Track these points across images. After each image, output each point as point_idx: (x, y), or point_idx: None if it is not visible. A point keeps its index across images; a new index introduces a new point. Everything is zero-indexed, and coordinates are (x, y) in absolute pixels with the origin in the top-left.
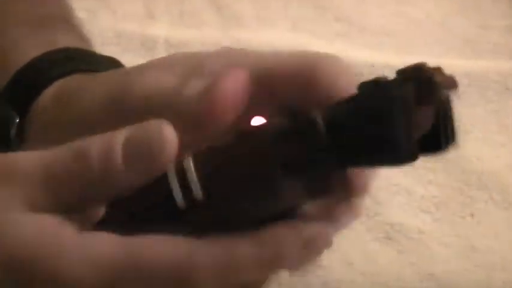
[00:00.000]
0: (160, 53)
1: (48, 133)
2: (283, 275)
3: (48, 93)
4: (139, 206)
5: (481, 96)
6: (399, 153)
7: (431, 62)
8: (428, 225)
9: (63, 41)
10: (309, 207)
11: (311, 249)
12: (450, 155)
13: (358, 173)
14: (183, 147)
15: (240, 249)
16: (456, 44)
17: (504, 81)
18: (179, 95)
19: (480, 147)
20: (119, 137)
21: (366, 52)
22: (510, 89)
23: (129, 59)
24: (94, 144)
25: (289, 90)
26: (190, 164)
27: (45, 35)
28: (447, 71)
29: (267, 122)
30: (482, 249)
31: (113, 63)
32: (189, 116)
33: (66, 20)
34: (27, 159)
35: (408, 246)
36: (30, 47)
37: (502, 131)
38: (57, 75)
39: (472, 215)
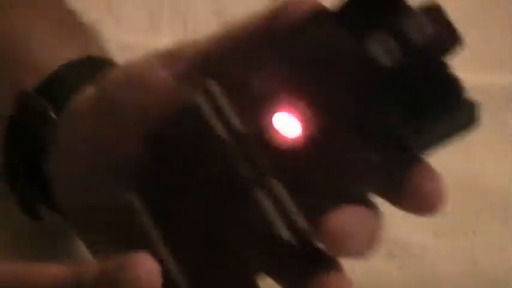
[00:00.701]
0: None
1: (83, 132)
2: None
3: (89, 94)
4: None
5: (486, 110)
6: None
7: None
8: (431, 242)
9: (96, 48)
10: None
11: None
12: (452, 168)
13: (425, 176)
14: None
15: None
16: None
17: (509, 94)
18: None
19: (484, 161)
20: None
21: None
22: None
23: None
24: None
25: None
26: None
27: (79, 40)
28: None
29: None
30: (485, 265)
31: None
32: None
33: (89, 29)
34: None
35: (411, 263)
36: (67, 50)
37: (506, 147)
38: (93, 80)
39: (474, 232)
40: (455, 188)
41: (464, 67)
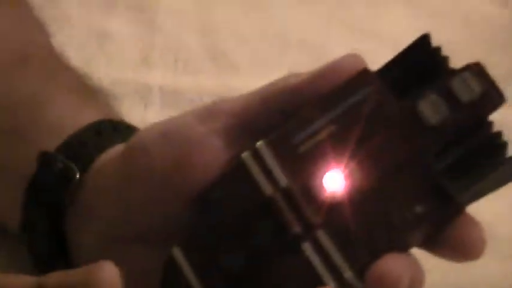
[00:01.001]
0: (155, 101)
1: (108, 188)
2: None
3: (113, 154)
4: None
5: None
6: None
7: None
8: None
9: (112, 112)
10: None
11: None
12: None
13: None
14: None
15: None
16: None
17: None
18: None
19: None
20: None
21: None
22: None
23: (124, 107)
24: None
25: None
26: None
27: (96, 102)
28: None
29: None
30: None
31: None
32: None
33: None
34: None
35: None
36: (86, 112)
37: None
38: (118, 141)
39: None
40: None
41: None
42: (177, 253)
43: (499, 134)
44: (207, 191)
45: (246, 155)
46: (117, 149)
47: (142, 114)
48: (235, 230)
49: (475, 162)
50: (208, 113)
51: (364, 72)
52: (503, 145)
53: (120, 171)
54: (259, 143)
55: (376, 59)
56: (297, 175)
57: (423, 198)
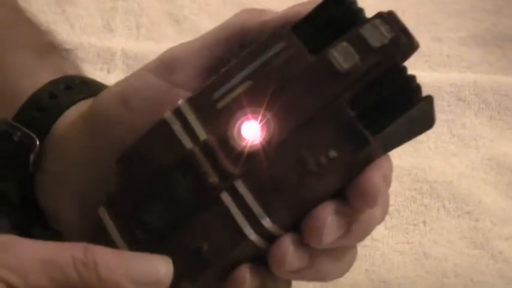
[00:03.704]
0: (118, 65)
1: (75, 157)
2: None
3: (72, 117)
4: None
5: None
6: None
7: None
8: (381, 233)
9: (70, 67)
10: None
11: None
12: (403, 164)
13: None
14: None
15: None
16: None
17: (457, 92)
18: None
19: (433, 156)
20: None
21: None
22: (463, 99)
23: (87, 71)
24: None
25: None
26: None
27: (54, 60)
28: None
29: None
30: (435, 256)
31: None
32: None
33: (61, 47)
34: (25, 251)
35: (362, 253)
36: (42, 72)
37: (454, 141)
38: (76, 100)
39: (424, 223)
40: (405, 183)
41: (413, 66)
42: (103, 212)
43: (412, 78)
44: (129, 150)
45: (167, 113)
46: (77, 111)
47: (106, 79)
48: (157, 185)
49: (389, 106)
50: (167, 67)
51: (281, 28)
52: (416, 88)
53: (83, 139)
54: (180, 102)
55: None
56: (215, 129)
57: (337, 143)
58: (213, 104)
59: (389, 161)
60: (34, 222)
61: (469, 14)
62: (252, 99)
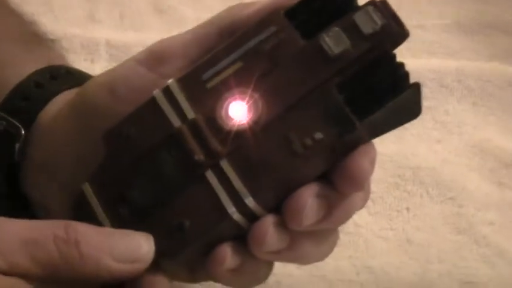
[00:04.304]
0: (102, 55)
1: (61, 145)
2: None
3: (58, 106)
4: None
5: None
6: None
7: None
8: (365, 219)
9: (55, 57)
10: None
11: None
12: (386, 150)
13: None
14: None
15: None
16: None
17: (439, 79)
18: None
19: (416, 143)
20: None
21: None
22: (445, 86)
23: (72, 62)
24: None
25: None
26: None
27: (38, 50)
28: None
29: None
30: (418, 242)
31: None
32: None
33: (46, 38)
34: (5, 231)
35: (345, 240)
36: (27, 62)
37: (437, 127)
38: (62, 89)
39: (407, 209)
40: (388, 169)
41: (396, 52)
42: (87, 189)
43: (401, 65)
44: (117, 125)
45: (157, 91)
46: (63, 100)
47: (90, 69)
48: (143, 162)
49: (377, 92)
50: (156, 58)
51: (274, 13)
52: (405, 75)
53: (69, 127)
54: (170, 81)
55: None
56: (204, 108)
57: (324, 126)
58: (202, 84)
59: (374, 147)
60: (20, 212)
61: (453, 1)
62: (241, 81)
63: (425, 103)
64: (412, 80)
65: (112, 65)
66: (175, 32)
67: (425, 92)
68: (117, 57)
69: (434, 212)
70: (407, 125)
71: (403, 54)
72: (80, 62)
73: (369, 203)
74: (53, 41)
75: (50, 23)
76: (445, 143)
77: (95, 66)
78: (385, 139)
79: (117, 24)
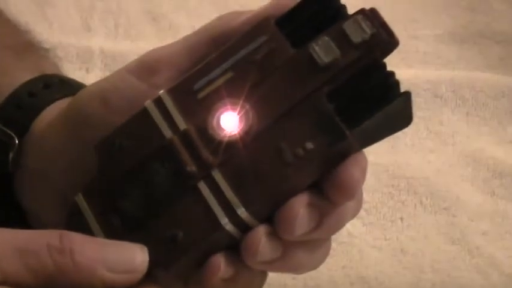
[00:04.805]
0: (97, 64)
1: (54, 155)
2: None
3: (51, 115)
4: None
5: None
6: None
7: None
8: (359, 229)
9: (49, 66)
10: None
11: None
12: (380, 160)
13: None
14: None
15: None
16: None
17: (433, 89)
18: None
19: (410, 153)
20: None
21: None
22: (439, 96)
23: (66, 71)
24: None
25: None
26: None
27: (32, 59)
28: None
29: None
30: (412, 252)
31: None
32: None
33: (39, 47)
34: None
35: (339, 250)
36: (20, 71)
37: (431, 137)
38: (55, 98)
39: (401, 219)
40: (382, 179)
41: (390, 63)
42: (80, 199)
43: (391, 74)
44: (108, 137)
45: (148, 102)
46: (56, 110)
47: (85, 78)
48: (135, 173)
49: (367, 101)
50: (147, 68)
51: (264, 22)
52: (395, 84)
53: (62, 136)
54: (161, 92)
55: None
56: (195, 119)
57: (314, 135)
58: (193, 94)
59: (365, 156)
60: (14, 221)
61: (445, 11)
62: (232, 91)
63: (419, 113)
64: (405, 90)
65: (107, 74)
66: (169, 41)
67: (419, 102)
68: (112, 66)
69: (428, 222)
70: (401, 135)
71: (397, 64)
72: (74, 71)
73: (363, 213)
74: (47, 50)
75: (45, 32)
76: (439, 153)
77: (90, 76)
78: (379, 149)
79: (112, 33)
